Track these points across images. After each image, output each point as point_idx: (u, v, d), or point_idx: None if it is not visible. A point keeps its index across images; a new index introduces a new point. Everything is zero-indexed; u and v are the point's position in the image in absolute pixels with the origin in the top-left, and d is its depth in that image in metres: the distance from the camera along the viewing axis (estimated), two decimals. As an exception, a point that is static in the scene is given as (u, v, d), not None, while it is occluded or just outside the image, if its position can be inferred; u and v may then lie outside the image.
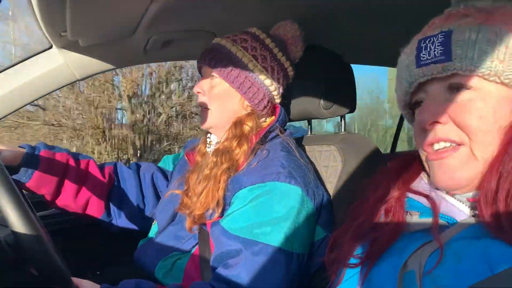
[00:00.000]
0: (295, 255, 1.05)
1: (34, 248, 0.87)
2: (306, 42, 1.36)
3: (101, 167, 1.40)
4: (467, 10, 0.73)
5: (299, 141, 1.44)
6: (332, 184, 1.27)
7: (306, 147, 1.39)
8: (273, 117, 1.27)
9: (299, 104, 1.40)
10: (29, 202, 1.08)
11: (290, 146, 1.19)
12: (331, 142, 1.32)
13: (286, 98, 1.37)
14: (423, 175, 0.82)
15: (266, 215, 1.05)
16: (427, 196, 0.76)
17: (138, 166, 1.48)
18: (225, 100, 1.23)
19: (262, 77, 1.22)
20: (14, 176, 1.19)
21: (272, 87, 1.24)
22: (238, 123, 1.22)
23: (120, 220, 1.40)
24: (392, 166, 0.85)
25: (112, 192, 1.39)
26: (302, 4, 1.26)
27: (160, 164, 1.53)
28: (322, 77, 1.36)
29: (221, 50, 1.23)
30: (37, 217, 1.03)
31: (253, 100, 1.22)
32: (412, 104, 0.80)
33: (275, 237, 1.03)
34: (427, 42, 0.72)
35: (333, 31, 1.50)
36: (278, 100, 1.30)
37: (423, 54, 0.72)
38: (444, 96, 0.72)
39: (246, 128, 1.21)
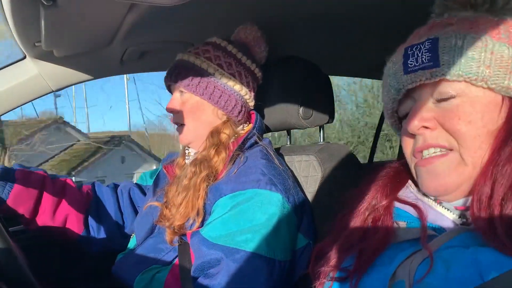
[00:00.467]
0: (277, 262, 1.04)
1: (2, 259, 0.85)
2: (284, 52, 1.36)
3: (79, 186, 1.39)
4: (450, 19, 0.74)
5: (279, 151, 1.44)
6: (312, 194, 1.27)
7: (286, 157, 1.39)
8: (250, 124, 1.27)
9: (278, 115, 1.40)
10: (0, 216, 1.05)
11: (269, 153, 1.20)
12: (310, 152, 1.32)
13: (260, 101, 1.37)
14: (409, 183, 0.82)
15: (247, 222, 1.04)
16: (414, 205, 0.76)
17: (116, 185, 1.48)
18: (198, 113, 1.23)
19: (230, 83, 1.23)
20: None
21: (242, 91, 1.25)
22: (215, 132, 1.22)
23: (100, 238, 1.38)
24: (378, 176, 0.85)
25: (90, 209, 1.38)
26: (278, 15, 1.27)
27: (138, 181, 1.52)
28: (301, 87, 1.37)
29: (185, 65, 1.23)
30: (7, 230, 1.00)
31: (226, 107, 1.23)
32: (401, 116, 0.80)
33: (256, 244, 1.02)
34: (414, 49, 0.73)
35: (311, 42, 1.51)
36: (251, 104, 1.30)
37: (411, 61, 0.73)
38: (433, 102, 0.73)
39: (224, 136, 1.22)
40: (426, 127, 0.72)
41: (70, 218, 1.32)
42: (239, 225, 1.04)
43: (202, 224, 1.12)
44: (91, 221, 1.37)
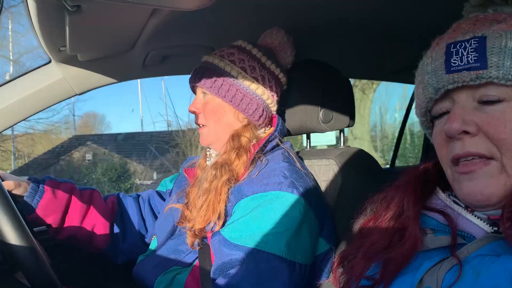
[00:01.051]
0: (298, 265, 1.04)
1: (25, 256, 0.87)
2: (304, 55, 1.36)
3: (105, 197, 1.43)
4: (497, 15, 0.69)
5: (298, 155, 1.44)
6: (332, 198, 1.26)
7: (306, 161, 1.38)
8: (272, 127, 1.27)
9: (298, 118, 1.40)
10: (24, 216, 1.07)
11: (291, 156, 1.20)
12: (330, 156, 1.31)
13: (282, 106, 1.37)
14: (437, 190, 0.78)
15: (268, 224, 1.04)
16: (443, 213, 0.72)
17: (138, 195, 1.51)
18: (219, 115, 1.24)
19: (253, 87, 1.23)
20: (21, 207, 1.21)
21: (264, 95, 1.25)
22: (235, 136, 1.22)
23: (125, 248, 1.40)
24: (403, 182, 0.81)
25: (116, 220, 1.41)
26: (298, 19, 1.27)
27: (158, 188, 1.54)
28: (321, 91, 1.36)
29: (209, 67, 1.24)
30: (31, 229, 1.03)
31: (247, 111, 1.23)
32: (433, 116, 0.75)
33: (277, 246, 1.02)
34: (458, 47, 0.67)
35: (330, 46, 1.51)
36: (274, 108, 1.30)
37: (454, 60, 0.66)
38: (474, 105, 0.68)
39: (244, 139, 1.22)
40: (467, 132, 0.67)
41: (96, 229, 1.35)
42: (260, 226, 1.04)
43: (223, 226, 1.13)
44: (116, 231, 1.40)
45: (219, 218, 1.12)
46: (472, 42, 0.66)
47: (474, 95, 0.67)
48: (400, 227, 0.75)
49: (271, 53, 1.29)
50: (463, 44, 0.66)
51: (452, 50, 0.67)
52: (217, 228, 1.12)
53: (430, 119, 0.77)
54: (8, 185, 1.17)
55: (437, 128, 0.73)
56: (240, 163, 1.18)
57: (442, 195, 0.76)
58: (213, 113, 1.24)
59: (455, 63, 0.66)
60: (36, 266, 0.88)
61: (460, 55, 0.66)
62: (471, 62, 0.65)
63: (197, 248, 1.18)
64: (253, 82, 1.23)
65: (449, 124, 0.67)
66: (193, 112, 1.27)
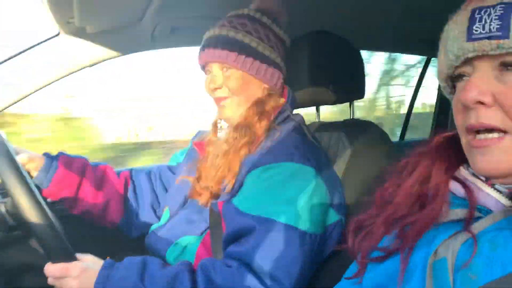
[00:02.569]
0: (308, 235, 1.05)
1: (38, 222, 0.89)
2: (313, 26, 1.33)
3: (118, 172, 1.44)
4: None
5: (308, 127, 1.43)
6: (341, 170, 1.27)
7: (315, 133, 1.38)
8: (283, 99, 1.26)
9: (307, 90, 1.39)
10: (39, 190, 1.09)
11: (303, 128, 1.19)
12: (340, 128, 1.31)
13: (292, 77, 1.34)
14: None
15: (280, 194, 1.05)
16: (463, 184, 0.70)
17: (150, 170, 1.52)
18: (244, 88, 1.21)
19: (273, 56, 1.22)
20: (35, 181, 1.23)
21: (282, 63, 1.24)
22: (259, 102, 1.20)
23: (139, 222, 1.42)
24: (431, 148, 0.77)
25: (129, 195, 1.43)
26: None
27: (169, 163, 1.55)
28: (331, 63, 1.35)
29: (227, 40, 1.20)
30: (45, 200, 1.05)
31: (272, 81, 1.22)
32: (454, 77, 0.71)
33: (288, 215, 1.03)
34: (482, 13, 0.62)
35: (341, 16, 1.48)
36: (284, 76, 1.28)
37: (477, 27, 0.63)
38: (493, 75, 0.64)
39: (268, 106, 1.20)
40: (482, 103, 0.63)
41: (110, 204, 1.37)
42: (272, 196, 1.05)
43: (233, 191, 1.13)
44: (130, 206, 1.42)
45: (233, 177, 1.13)
46: (498, 8, 0.61)
47: (495, 63, 0.64)
48: (423, 195, 0.73)
49: (277, 20, 1.27)
50: (488, 10, 0.62)
51: (476, 16, 0.63)
52: (229, 186, 1.13)
53: (452, 84, 0.74)
54: (22, 159, 1.19)
55: (457, 95, 0.70)
56: (261, 126, 1.17)
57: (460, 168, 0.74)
58: (237, 87, 1.20)
59: (477, 30, 0.62)
60: (49, 232, 0.90)
61: (483, 22, 0.62)
62: (492, 30, 0.61)
63: (209, 206, 1.19)
64: (271, 51, 1.22)
65: (464, 93, 0.64)
66: (215, 89, 1.22)
